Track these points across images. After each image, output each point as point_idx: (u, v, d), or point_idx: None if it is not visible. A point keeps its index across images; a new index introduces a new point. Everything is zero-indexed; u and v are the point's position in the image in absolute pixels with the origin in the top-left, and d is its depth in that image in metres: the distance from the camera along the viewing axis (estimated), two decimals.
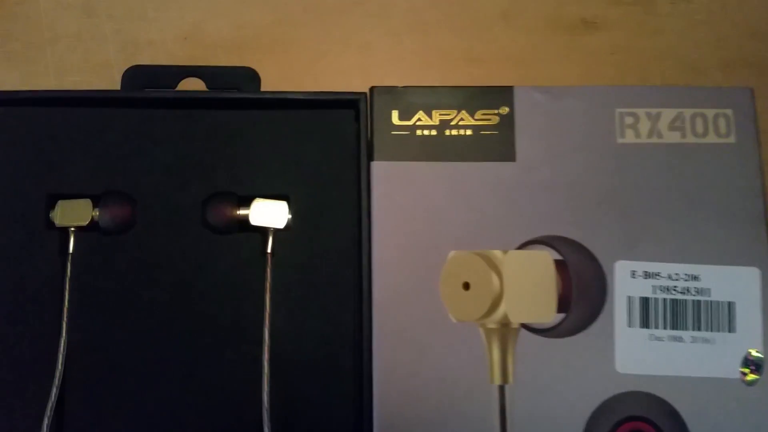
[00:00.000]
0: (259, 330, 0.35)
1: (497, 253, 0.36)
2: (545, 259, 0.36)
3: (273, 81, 0.40)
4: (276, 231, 0.37)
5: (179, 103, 0.38)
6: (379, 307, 0.35)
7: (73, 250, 0.36)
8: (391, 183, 0.36)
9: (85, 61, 0.44)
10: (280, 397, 0.35)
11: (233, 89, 0.39)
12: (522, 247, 0.36)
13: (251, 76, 0.40)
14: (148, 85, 0.39)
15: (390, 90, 0.37)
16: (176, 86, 0.39)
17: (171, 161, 0.37)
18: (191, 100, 0.38)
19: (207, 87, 0.39)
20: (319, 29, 0.45)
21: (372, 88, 0.37)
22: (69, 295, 0.35)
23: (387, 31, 0.45)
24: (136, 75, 0.40)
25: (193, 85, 0.40)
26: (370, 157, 0.37)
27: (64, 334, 0.35)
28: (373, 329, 0.35)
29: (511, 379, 0.35)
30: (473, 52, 0.45)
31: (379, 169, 0.36)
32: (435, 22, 0.45)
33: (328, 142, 0.38)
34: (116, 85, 0.43)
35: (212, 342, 0.36)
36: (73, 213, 0.36)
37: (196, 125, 0.38)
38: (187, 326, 0.36)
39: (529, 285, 0.35)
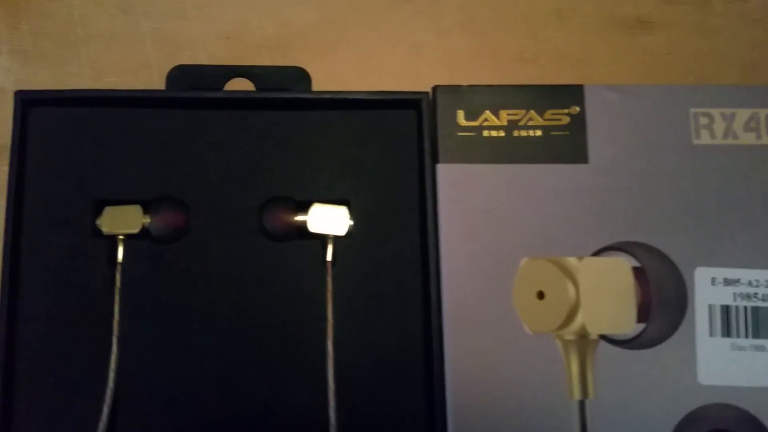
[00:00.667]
0: (321, 343, 0.33)
1: (572, 261, 0.34)
2: (623, 266, 0.34)
3: (320, 81, 0.38)
4: (336, 238, 0.35)
5: (230, 104, 0.36)
6: (450, 318, 0.33)
7: (122, 260, 0.34)
8: (457, 186, 0.34)
9: (122, 61, 0.42)
10: (347, 414, 0.33)
11: (283, 90, 0.37)
12: (598, 253, 0.34)
13: (301, 76, 0.38)
14: (193, 85, 0.37)
15: (454, 89, 0.35)
16: (223, 87, 0.37)
17: (224, 165, 0.35)
18: (244, 101, 0.36)
19: (255, 88, 0.37)
20: (366, 28, 0.43)
21: (435, 88, 0.36)
22: (119, 307, 0.33)
23: (437, 30, 0.43)
24: (181, 75, 0.38)
25: (239, 86, 0.38)
26: (435, 160, 0.35)
27: (114, 349, 0.33)
28: (444, 342, 0.33)
29: (591, 393, 0.33)
30: (527, 52, 0.43)
31: (444, 171, 0.35)
32: (487, 20, 0.43)
33: (389, 143, 0.36)
34: (156, 86, 0.41)
35: (271, 356, 0.34)
36: (122, 220, 0.34)
37: (250, 127, 0.36)
38: (244, 339, 0.34)
39: (607, 294, 0.34)
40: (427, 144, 0.35)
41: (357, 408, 0.33)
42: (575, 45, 0.44)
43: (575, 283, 0.34)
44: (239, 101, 0.35)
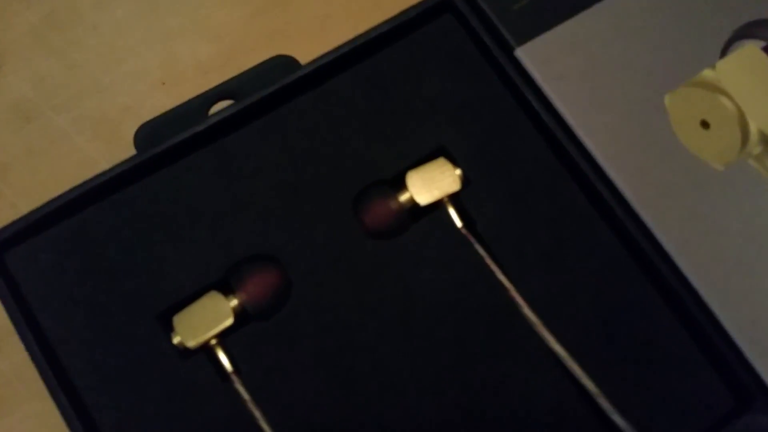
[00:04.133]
0: (517, 316, 0.25)
1: (708, 73, 0.28)
2: (755, 52, 0.29)
3: None
4: (455, 197, 0.27)
5: (243, 116, 0.27)
6: (639, 199, 0.26)
7: (235, 367, 0.24)
8: (550, 62, 0.28)
9: (56, 171, 0.32)
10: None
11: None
12: (724, 53, 0.29)
13: (287, 63, 0.30)
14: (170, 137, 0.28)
15: None
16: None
17: (278, 184, 0.26)
18: (266, 101, 0.27)
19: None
20: (277, 6, 0.35)
21: None
22: (266, 423, 0.23)
23: None
24: (151, 133, 0.29)
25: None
26: (509, 48, 0.28)
27: None
28: (654, 233, 0.26)
29: None
30: None
31: (527, 54, 0.28)
32: None
33: (443, 62, 0.28)
34: None
35: (479, 364, 0.25)
36: (204, 320, 0.24)
37: (283, 129, 0.27)
38: (438, 366, 0.25)
39: (759, 86, 0.28)
40: (488, 37, 0.28)
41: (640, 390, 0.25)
42: None
43: (725, 93, 0.28)
44: (262, 104, 0.27)
